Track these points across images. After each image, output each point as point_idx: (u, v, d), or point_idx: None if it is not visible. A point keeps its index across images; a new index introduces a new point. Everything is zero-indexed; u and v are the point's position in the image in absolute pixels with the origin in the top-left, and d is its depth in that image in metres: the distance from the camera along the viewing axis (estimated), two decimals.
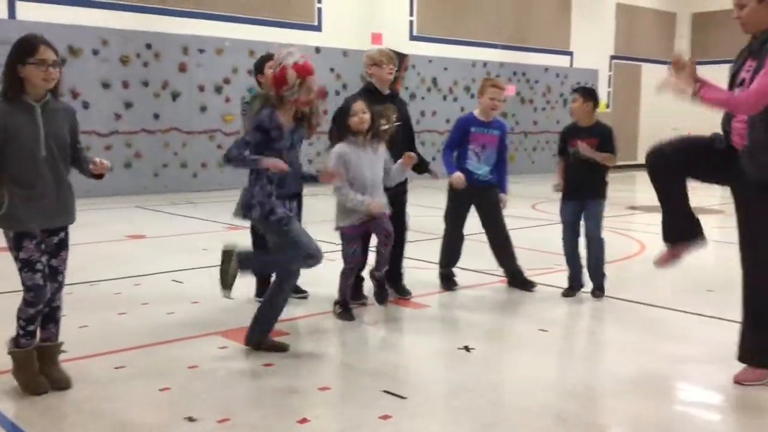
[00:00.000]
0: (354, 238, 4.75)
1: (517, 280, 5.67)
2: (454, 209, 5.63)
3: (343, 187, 4.59)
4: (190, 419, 3.17)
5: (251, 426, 3.12)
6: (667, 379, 3.84)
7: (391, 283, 5.30)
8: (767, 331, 3.62)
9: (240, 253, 4.03)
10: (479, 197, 5.53)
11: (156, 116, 12.53)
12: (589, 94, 5.34)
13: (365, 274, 5.09)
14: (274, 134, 3.88)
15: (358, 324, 4.72)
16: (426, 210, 8.45)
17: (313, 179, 4.27)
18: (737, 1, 3.51)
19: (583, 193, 5.29)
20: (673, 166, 3.68)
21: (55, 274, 3.46)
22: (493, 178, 5.55)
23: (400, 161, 4.75)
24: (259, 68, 5.22)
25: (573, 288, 5.46)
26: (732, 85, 3.60)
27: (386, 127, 4.63)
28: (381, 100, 4.96)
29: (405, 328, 4.80)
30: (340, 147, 4.65)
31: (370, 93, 5.04)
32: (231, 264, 3.98)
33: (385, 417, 3.21)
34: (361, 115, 4.60)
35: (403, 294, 5.31)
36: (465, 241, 5.67)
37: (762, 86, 3.30)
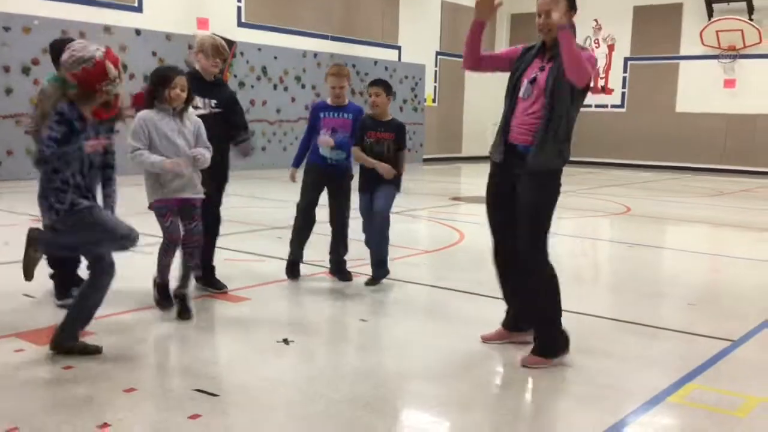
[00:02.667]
0: (169, 211, 4.52)
1: (336, 269, 5.67)
2: (303, 194, 5.58)
3: (139, 151, 4.37)
4: None
5: None
6: (474, 360, 3.99)
7: (204, 279, 5.13)
8: (546, 325, 3.95)
9: (44, 233, 3.74)
10: (328, 181, 5.54)
11: None
12: (389, 87, 5.50)
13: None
14: (77, 125, 3.60)
15: (168, 321, 4.48)
16: (247, 200, 8.30)
17: None
18: (544, 9, 3.78)
19: (374, 184, 5.38)
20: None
21: None
22: (348, 162, 5.56)
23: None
24: (58, 53, 4.84)
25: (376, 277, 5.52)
26: (515, 79, 3.93)
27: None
28: (204, 86, 4.97)
29: (223, 322, 4.63)
30: (146, 113, 4.43)
31: (194, 77, 4.93)
32: (35, 248, 3.71)
33: (195, 416, 3.07)
34: (179, 91, 4.41)
35: (218, 288, 5.13)
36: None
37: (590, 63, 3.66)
